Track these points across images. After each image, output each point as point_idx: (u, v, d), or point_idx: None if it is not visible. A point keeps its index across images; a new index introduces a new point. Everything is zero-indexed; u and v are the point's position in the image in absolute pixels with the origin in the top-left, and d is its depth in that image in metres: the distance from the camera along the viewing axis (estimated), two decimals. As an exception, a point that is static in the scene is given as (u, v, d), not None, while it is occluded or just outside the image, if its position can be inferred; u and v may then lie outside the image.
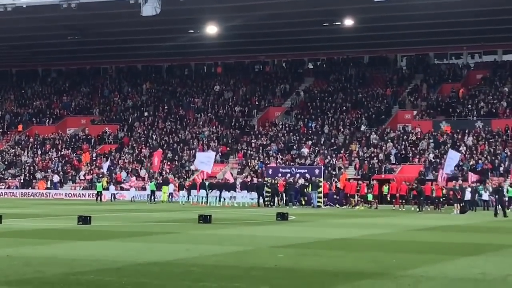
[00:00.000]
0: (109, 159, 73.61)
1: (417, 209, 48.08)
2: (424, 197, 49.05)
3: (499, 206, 42.23)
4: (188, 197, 57.80)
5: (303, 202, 54.50)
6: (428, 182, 54.16)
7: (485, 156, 63.56)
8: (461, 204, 45.82)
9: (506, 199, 46.39)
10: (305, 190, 54.66)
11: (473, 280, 14.94)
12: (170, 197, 61.95)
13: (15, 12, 65.13)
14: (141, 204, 57.25)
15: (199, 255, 18.88)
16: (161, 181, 64.10)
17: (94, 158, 76.90)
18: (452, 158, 54.94)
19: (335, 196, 55.76)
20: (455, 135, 68.05)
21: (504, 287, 14.16)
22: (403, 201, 51.96)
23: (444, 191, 50.65)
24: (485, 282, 14.62)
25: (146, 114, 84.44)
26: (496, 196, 43.80)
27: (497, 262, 18.47)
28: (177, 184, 62.52)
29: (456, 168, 58.30)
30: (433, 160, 64.04)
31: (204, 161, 60.24)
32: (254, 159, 69.68)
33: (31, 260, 17.29)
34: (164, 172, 69.43)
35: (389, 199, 53.41)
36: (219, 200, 56.12)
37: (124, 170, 72.42)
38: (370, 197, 52.70)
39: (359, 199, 53.54)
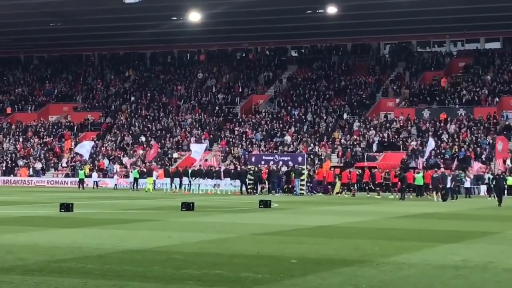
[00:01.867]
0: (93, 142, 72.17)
1: (399, 197, 48.14)
2: (407, 185, 49.11)
3: (493, 195, 41.97)
4: (171, 184, 57.79)
5: (287, 190, 54.34)
6: (411, 169, 54.29)
7: (467, 144, 63.81)
8: (443, 192, 45.94)
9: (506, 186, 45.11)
10: (290, 177, 54.40)
11: (454, 267, 15.01)
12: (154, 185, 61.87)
13: (-4, -1, 64.77)
14: (124, 192, 57.17)
15: (182, 243, 18.87)
16: (144, 170, 63.63)
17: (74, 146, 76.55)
18: (431, 145, 55.52)
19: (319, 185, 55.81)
20: (437, 123, 68.32)
21: (485, 274, 14.23)
22: (378, 188, 52.18)
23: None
24: (466, 269, 14.69)
25: (129, 101, 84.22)
26: (493, 185, 43.51)
27: (478, 249, 18.57)
28: (160, 172, 62.37)
29: (434, 155, 58.52)
30: (415, 148, 64.22)
31: (198, 151, 61.05)
32: (237, 147, 69.67)
33: (12, 248, 17.23)
34: (146, 161, 69.27)
35: (373, 188, 53.43)
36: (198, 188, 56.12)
37: (107, 157, 72.19)
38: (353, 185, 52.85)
39: (342, 187, 53.62)
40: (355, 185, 53.57)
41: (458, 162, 59.53)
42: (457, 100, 71.92)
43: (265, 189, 54.82)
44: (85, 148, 66.85)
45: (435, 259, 16.15)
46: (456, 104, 71.33)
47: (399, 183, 49.73)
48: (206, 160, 64.54)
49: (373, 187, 52.71)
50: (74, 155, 72.91)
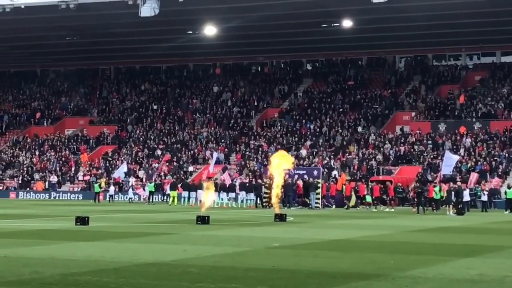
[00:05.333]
0: (125, 163, 72.04)
1: (416, 211, 47.77)
2: (424, 199, 48.61)
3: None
4: (189, 198, 57.76)
5: (306, 203, 54.01)
6: (428, 183, 54.01)
7: (483, 157, 63.57)
8: (459, 206, 45.72)
9: None
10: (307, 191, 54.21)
11: (470, 281, 14.94)
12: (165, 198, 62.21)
13: (13, 13, 65.05)
14: (139, 205, 57.24)
15: (197, 256, 18.87)
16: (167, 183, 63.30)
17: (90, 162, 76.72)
18: (449, 158, 55.00)
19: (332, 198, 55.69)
20: (453, 137, 68.11)
21: (501, 288, 14.17)
22: (377, 202, 52.12)
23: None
24: (482, 283, 14.62)
25: (145, 115, 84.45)
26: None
27: (494, 263, 18.46)
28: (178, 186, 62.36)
29: (453, 169, 58.30)
30: (431, 162, 64.02)
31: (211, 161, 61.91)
32: (253, 160, 69.66)
33: (28, 261, 17.28)
34: (162, 174, 69.35)
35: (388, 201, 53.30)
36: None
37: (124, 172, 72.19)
38: (368, 198, 52.71)
39: (358, 201, 53.51)
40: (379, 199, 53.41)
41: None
42: (473, 113, 71.70)
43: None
44: (122, 171, 67.65)
45: (451, 273, 16.08)
46: (472, 118, 71.11)
47: (417, 197, 49.24)
48: (219, 175, 64.64)
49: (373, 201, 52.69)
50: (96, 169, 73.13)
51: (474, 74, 79.74)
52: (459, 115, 71.98)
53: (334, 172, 63.40)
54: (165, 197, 61.71)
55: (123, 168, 67.76)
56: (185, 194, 58.47)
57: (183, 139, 77.55)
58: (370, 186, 54.11)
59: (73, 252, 19.38)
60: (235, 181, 60.39)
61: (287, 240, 24.17)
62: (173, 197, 58.50)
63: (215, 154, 64.87)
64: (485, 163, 62.44)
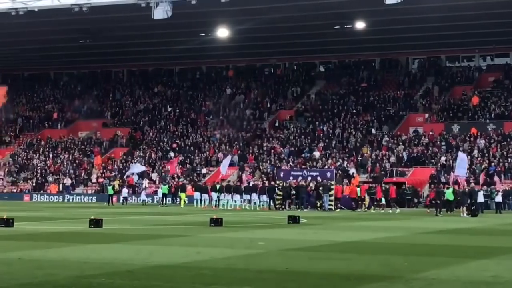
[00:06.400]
0: (136, 163, 72.14)
1: (432, 212, 47.46)
2: (443, 201, 48.17)
3: None
4: (201, 200, 57.80)
5: (318, 205, 53.88)
6: (441, 185, 53.81)
7: (497, 159, 63.37)
8: (473, 207, 45.54)
9: None
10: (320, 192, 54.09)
11: (484, 283, 14.89)
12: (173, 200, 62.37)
13: (27, 16, 65.32)
14: (153, 207, 57.32)
15: (211, 258, 18.87)
16: (177, 185, 63.36)
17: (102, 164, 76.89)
18: (463, 160, 54.76)
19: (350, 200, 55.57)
20: (467, 138, 67.90)
21: (516, 290, 14.11)
22: (394, 204, 52.08)
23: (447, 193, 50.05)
24: (497, 285, 14.56)
25: (157, 117, 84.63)
26: None
27: (509, 265, 18.38)
28: (189, 188, 62.41)
29: (468, 171, 58.08)
30: (445, 163, 63.84)
31: (224, 164, 62.18)
32: (266, 162, 69.65)
33: (42, 263, 17.32)
34: (175, 176, 69.46)
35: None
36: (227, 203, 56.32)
37: (137, 173, 72.35)
38: (383, 200, 52.63)
39: (371, 202, 53.41)
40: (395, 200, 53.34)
41: (487, 177, 59.10)
42: (487, 114, 71.49)
43: (292, 204, 54.62)
44: (136, 170, 68.64)
45: (465, 275, 16.03)
46: (486, 119, 70.89)
47: (435, 198, 48.75)
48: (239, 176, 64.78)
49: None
50: (110, 171, 73.31)
51: (488, 75, 79.54)
52: (472, 116, 71.78)
53: (353, 171, 63.34)
54: (175, 200, 61.71)
55: (138, 167, 67.83)
56: (197, 196, 58.54)
57: (196, 141, 77.62)
58: (384, 188, 53.99)
59: (87, 255, 19.41)
60: (249, 182, 60.43)
61: (300, 242, 24.14)
62: (183, 199, 58.63)
63: (228, 157, 64.84)
64: (500, 164, 62.23)
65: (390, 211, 50.48)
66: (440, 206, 47.30)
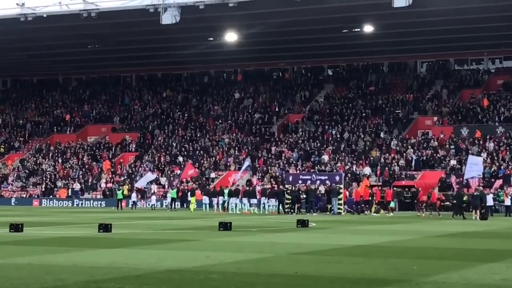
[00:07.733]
0: (149, 172, 71.95)
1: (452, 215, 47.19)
2: (460, 204, 47.88)
3: None
4: (211, 204, 57.85)
5: (328, 209, 53.86)
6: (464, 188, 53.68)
7: (506, 161, 63.24)
8: (482, 211, 45.42)
9: None
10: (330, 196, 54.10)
11: (494, 286, 14.85)
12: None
13: (35, 22, 65.57)
14: (162, 212, 57.37)
15: (220, 262, 18.86)
16: (186, 190, 63.31)
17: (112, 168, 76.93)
18: (474, 163, 54.53)
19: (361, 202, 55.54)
20: (475, 141, 67.77)
21: (526, 293, 14.07)
22: (378, 206, 52.07)
23: (465, 197, 50.01)
24: (507, 289, 14.53)
25: (166, 121, 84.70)
26: None
27: (519, 268, 18.35)
28: (197, 192, 62.46)
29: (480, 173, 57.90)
30: (454, 166, 63.72)
31: (243, 168, 63.70)
32: (274, 166, 69.63)
33: (52, 268, 17.34)
34: (184, 180, 69.48)
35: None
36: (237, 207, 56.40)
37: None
38: (392, 204, 52.57)
39: (376, 206, 53.36)
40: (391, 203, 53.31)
41: (499, 180, 58.95)
42: (496, 117, 71.34)
43: (302, 208, 54.63)
44: (147, 180, 68.50)
45: (475, 278, 15.98)
46: (495, 122, 70.74)
47: (455, 202, 48.27)
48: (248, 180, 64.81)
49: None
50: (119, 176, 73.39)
51: (497, 78, 79.39)
52: (481, 119, 71.64)
53: (367, 171, 63.32)
54: (185, 204, 61.83)
55: (148, 177, 67.94)
56: (206, 200, 58.58)
57: (205, 145, 77.67)
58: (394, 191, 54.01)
59: (96, 259, 19.43)
60: (258, 186, 60.48)
61: (309, 246, 24.12)
62: (193, 204, 58.71)
63: (246, 161, 65.07)
64: (509, 167, 62.07)
65: (387, 214, 50.63)
66: (461, 210, 46.88)
